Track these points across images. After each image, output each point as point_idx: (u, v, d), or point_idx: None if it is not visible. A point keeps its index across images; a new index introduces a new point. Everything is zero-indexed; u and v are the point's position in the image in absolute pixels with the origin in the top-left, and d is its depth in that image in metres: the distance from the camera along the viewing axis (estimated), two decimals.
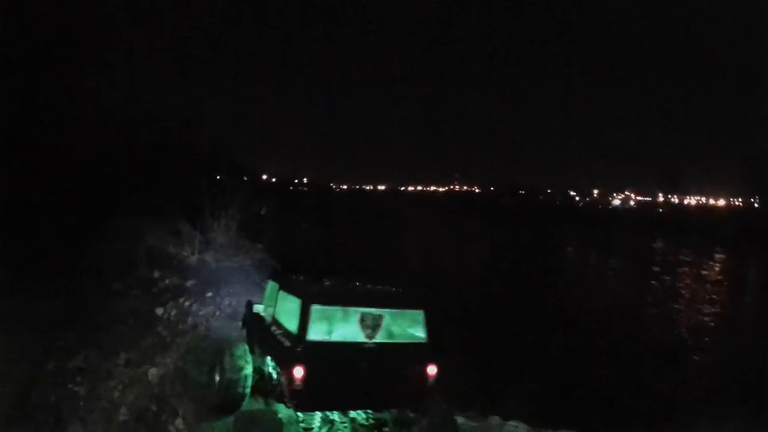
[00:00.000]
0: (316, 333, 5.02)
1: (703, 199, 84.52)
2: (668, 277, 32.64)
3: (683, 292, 27.48)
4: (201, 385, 6.95)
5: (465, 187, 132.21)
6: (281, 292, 5.93)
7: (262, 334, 6.12)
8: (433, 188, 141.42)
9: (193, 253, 12.32)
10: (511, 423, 7.47)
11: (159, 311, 10.64)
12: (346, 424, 5.53)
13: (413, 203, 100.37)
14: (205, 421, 6.49)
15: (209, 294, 10.75)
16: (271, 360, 5.78)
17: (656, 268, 37.73)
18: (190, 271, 11.81)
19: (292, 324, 5.25)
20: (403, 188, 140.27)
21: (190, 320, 9.96)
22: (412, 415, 5.48)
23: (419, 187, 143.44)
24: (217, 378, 6.33)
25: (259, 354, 6.37)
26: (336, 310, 5.21)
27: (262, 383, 6.27)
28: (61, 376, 8.58)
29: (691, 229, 58.43)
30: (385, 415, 5.62)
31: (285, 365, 5.08)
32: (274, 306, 5.97)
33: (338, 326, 5.27)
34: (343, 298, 5.33)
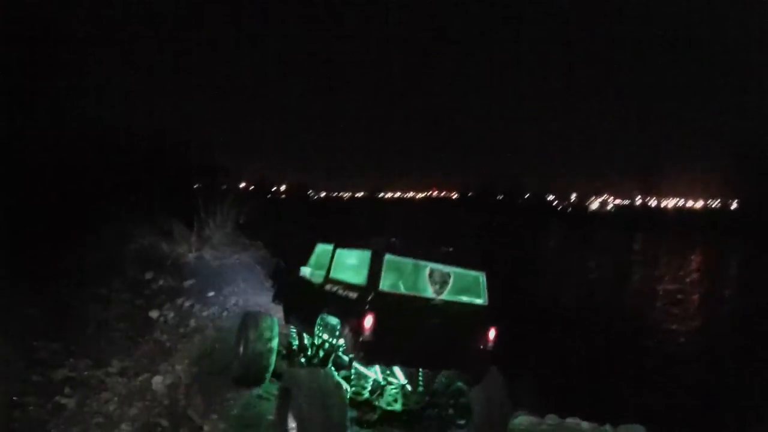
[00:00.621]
0: (387, 284, 4.93)
1: (681, 201, 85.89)
2: (643, 279, 32.74)
3: (666, 289, 27.43)
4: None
5: (444, 193, 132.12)
6: (339, 250, 5.71)
7: (311, 298, 5.78)
8: (411, 194, 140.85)
9: (190, 251, 11.28)
10: (570, 420, 6.85)
11: (153, 314, 9.79)
12: (396, 390, 5.29)
13: (393, 209, 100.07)
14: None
15: (211, 293, 9.76)
16: (332, 316, 5.44)
17: (636, 269, 38.00)
18: (186, 271, 10.83)
19: (358, 277, 5.12)
20: (381, 195, 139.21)
21: (192, 322, 8.92)
22: (462, 385, 5.35)
23: (397, 194, 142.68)
24: (242, 350, 6.18)
25: (299, 323, 6.13)
26: (407, 263, 5.14)
27: (294, 355, 6.16)
28: (47, 389, 7.63)
29: (669, 230, 59.29)
30: (435, 383, 5.46)
31: (352, 317, 4.88)
32: (329, 266, 5.72)
33: (408, 279, 5.21)
34: (414, 251, 5.20)
